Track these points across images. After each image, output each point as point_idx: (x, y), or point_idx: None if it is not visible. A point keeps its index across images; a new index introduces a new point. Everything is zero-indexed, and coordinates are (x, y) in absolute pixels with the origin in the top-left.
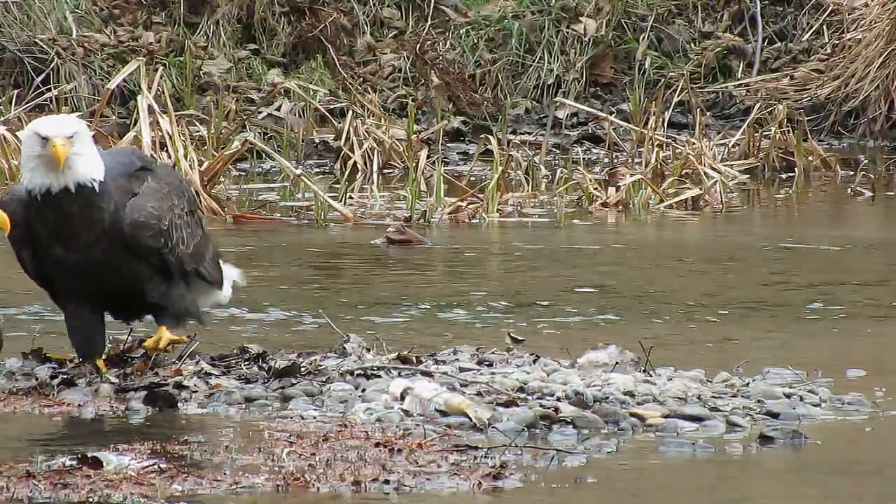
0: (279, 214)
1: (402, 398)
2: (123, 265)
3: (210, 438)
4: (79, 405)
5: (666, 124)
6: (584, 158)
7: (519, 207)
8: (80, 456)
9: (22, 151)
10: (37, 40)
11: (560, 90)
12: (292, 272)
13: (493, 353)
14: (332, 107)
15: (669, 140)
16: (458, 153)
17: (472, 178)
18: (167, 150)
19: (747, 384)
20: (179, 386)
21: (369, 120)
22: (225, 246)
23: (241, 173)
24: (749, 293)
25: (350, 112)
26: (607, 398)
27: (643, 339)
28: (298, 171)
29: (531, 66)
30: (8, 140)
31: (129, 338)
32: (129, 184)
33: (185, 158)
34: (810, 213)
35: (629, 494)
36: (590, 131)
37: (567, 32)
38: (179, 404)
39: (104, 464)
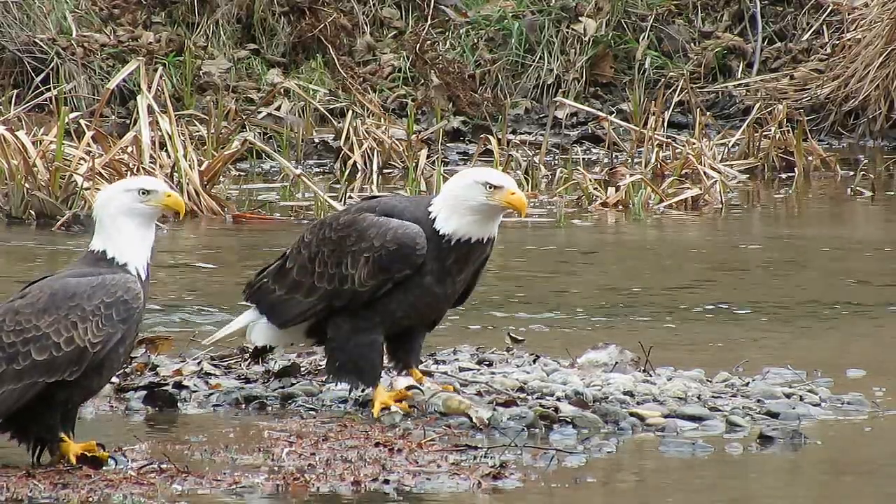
0: (279, 214)
1: None
2: (459, 291)
3: (210, 438)
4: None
5: (666, 124)
6: (583, 158)
7: None
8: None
9: (452, 198)
10: (37, 40)
11: (560, 90)
12: None
13: (493, 353)
14: (332, 107)
15: (669, 140)
16: (458, 153)
17: None
18: (167, 150)
19: (747, 384)
20: (179, 386)
21: (369, 120)
22: (224, 246)
23: (241, 173)
24: (749, 293)
25: (350, 112)
26: (607, 398)
27: (643, 339)
28: (298, 171)
29: (531, 65)
30: (8, 140)
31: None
32: None
33: (185, 158)
34: (810, 213)
35: (629, 494)
36: (590, 131)
37: (567, 32)
38: (179, 404)
39: (104, 464)
